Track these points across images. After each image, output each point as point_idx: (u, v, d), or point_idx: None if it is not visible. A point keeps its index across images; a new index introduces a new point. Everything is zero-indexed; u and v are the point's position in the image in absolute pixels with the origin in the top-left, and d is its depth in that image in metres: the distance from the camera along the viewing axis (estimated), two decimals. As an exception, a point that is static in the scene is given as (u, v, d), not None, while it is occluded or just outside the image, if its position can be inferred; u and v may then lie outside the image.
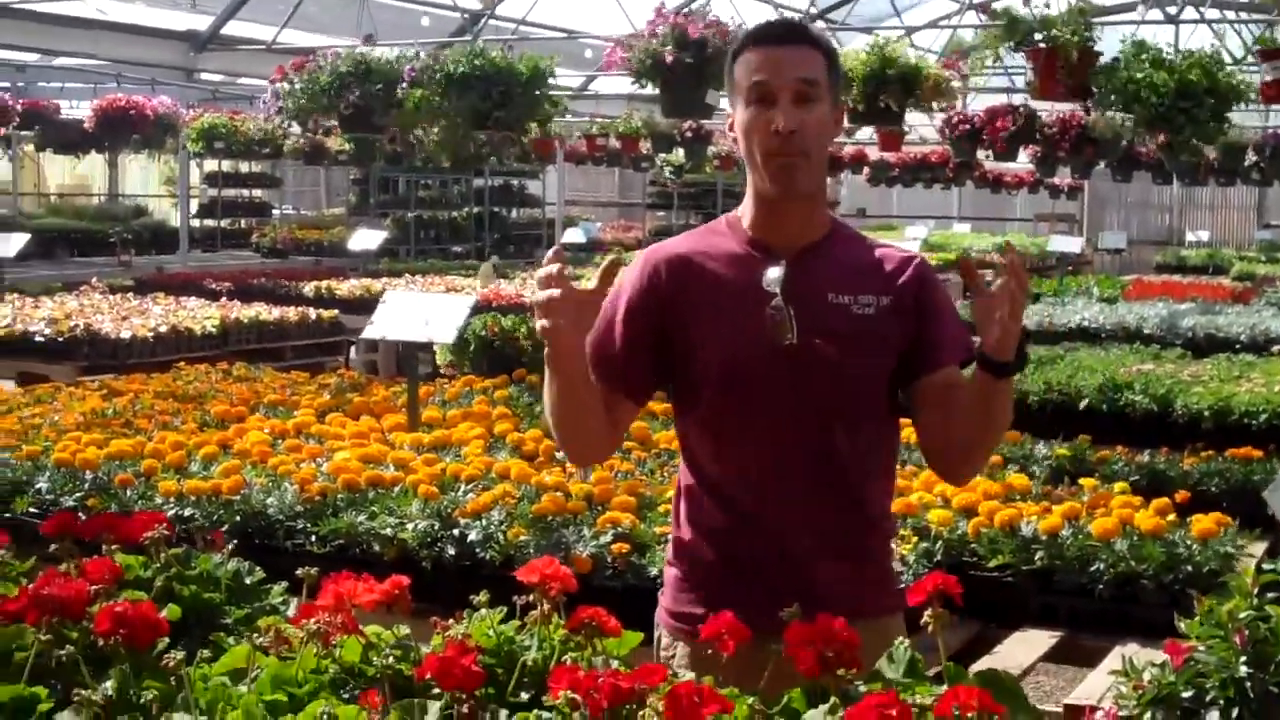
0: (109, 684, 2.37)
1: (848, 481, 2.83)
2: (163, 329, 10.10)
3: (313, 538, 4.51)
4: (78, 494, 4.92)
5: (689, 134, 17.43)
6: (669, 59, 8.04)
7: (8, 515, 4.66)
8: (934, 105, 10.76)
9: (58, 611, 2.53)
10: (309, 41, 18.93)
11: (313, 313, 11.60)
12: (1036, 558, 4.31)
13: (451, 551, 4.35)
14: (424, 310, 5.36)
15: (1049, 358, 8.20)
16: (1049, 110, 15.05)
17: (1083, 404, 7.02)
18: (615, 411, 2.84)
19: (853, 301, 2.77)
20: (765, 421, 2.78)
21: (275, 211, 28.02)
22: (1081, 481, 5.12)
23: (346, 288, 14.08)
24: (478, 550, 4.33)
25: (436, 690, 2.39)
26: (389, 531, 4.41)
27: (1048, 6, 8.21)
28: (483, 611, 2.62)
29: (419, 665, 2.49)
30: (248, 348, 10.54)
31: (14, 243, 12.29)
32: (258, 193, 28.06)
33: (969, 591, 2.45)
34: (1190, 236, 31.22)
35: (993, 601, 4.23)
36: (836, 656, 2.32)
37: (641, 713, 2.16)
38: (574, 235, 20.85)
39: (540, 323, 2.54)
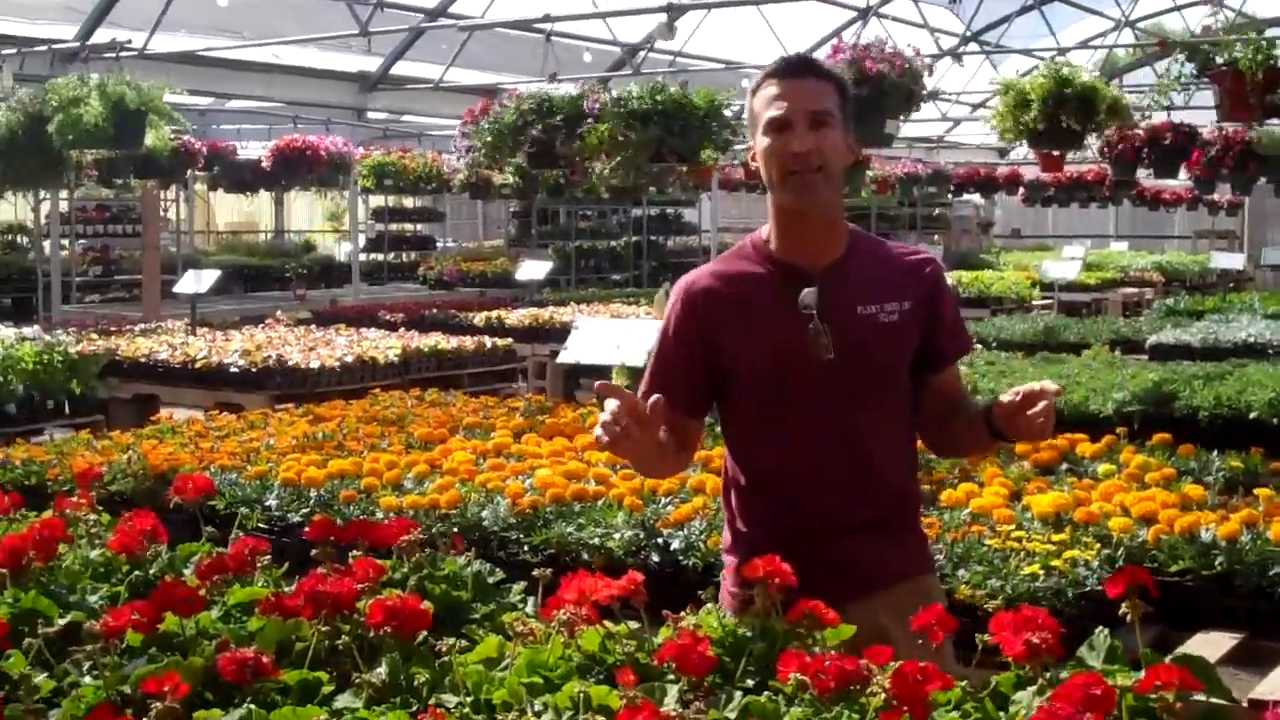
0: (382, 669, 2.67)
1: (876, 464, 3.15)
2: (348, 359, 10.53)
3: (525, 547, 4.81)
4: (304, 510, 5.27)
5: (848, 159, 17.54)
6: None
7: (241, 530, 5.00)
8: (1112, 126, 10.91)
9: (331, 606, 2.84)
10: (474, 79, 19.48)
11: (488, 341, 11.98)
12: (1216, 562, 4.46)
13: (656, 559, 4.64)
14: (614, 335, 5.65)
15: (1217, 373, 8.26)
16: (1209, 126, 15.01)
17: (1252, 416, 7.10)
18: (683, 433, 3.18)
19: (879, 310, 3.10)
20: (808, 424, 3.11)
21: (438, 244, 28.69)
22: (1256, 491, 5.24)
23: (515, 317, 14.45)
24: (680, 558, 4.62)
25: (672, 676, 2.64)
26: (597, 541, 4.70)
27: (1220, 30, 8.27)
28: (708, 606, 2.89)
29: (654, 653, 2.75)
30: (427, 375, 10.92)
31: (206, 279, 12.87)
32: (421, 227, 28.77)
33: (1150, 597, 2.66)
34: (1356, 252, 30.55)
35: (1174, 605, 4.36)
36: (1043, 642, 2.53)
37: (869, 690, 2.39)
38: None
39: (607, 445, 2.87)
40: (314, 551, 3.34)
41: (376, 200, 26.17)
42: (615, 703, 2.50)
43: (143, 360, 10.83)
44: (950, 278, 21.08)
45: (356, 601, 2.87)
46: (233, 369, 10.25)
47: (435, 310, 15.81)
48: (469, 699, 2.57)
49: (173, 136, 12.43)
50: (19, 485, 5.83)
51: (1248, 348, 10.95)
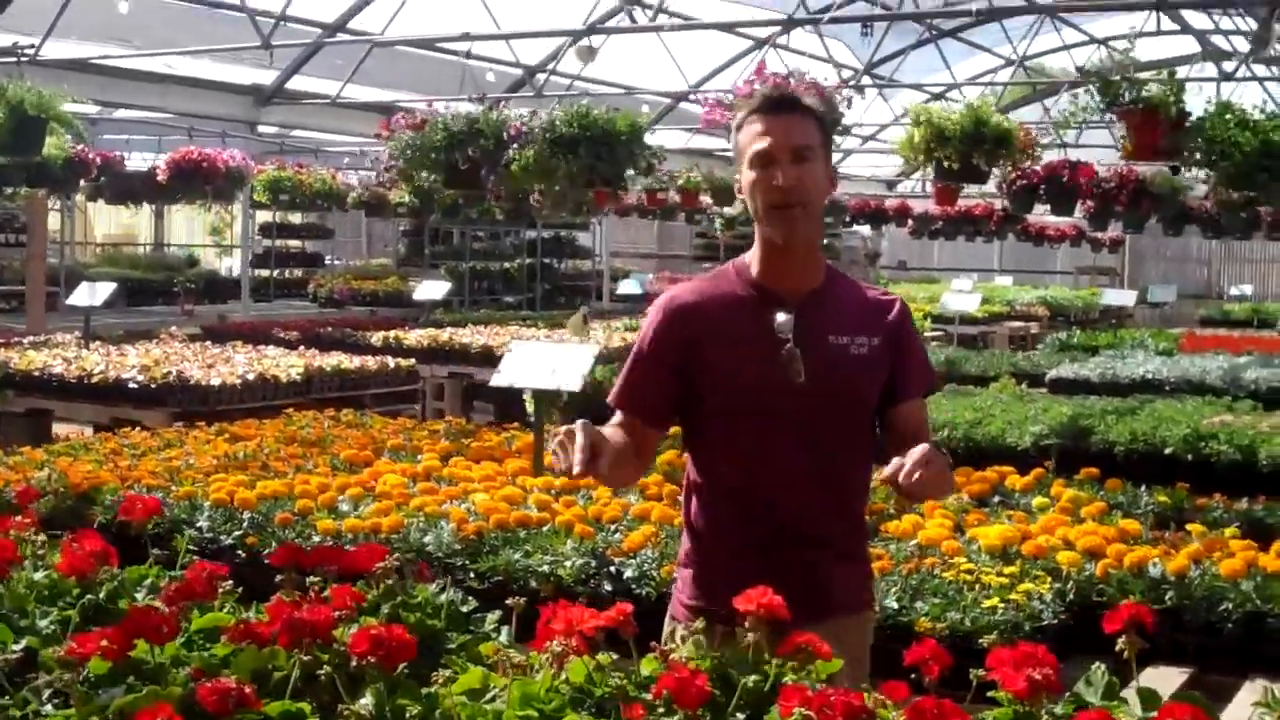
0: (367, 700, 2.57)
1: (843, 495, 3.29)
2: (250, 376, 10.33)
3: (471, 574, 4.72)
4: (236, 533, 5.13)
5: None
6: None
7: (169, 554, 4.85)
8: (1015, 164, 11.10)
9: (309, 634, 2.74)
10: (371, 96, 19.28)
11: (390, 361, 11.83)
12: (1166, 597, 4.49)
13: (609, 587, 4.56)
14: (549, 359, 5.58)
15: (1126, 408, 8.39)
16: (1105, 165, 15.27)
17: (1168, 451, 7.20)
18: (644, 442, 3.27)
19: (850, 342, 3.21)
20: (774, 448, 3.20)
21: (327, 261, 28.39)
22: (1189, 527, 5.30)
23: (414, 337, 14.31)
24: (634, 586, 4.54)
25: (662, 708, 2.59)
26: (546, 569, 4.61)
27: (1128, 70, 8.40)
28: (697, 639, 2.83)
29: (646, 685, 2.69)
30: (330, 395, 10.76)
31: (100, 292, 12.57)
32: (308, 244, 28.47)
33: (1100, 631, 2.68)
34: (1234, 290, 31.32)
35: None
36: (1044, 679, 2.51)
37: (884, 726, 2.35)
38: (629, 286, 21.29)
39: (575, 471, 2.91)
40: (278, 578, 3.23)
41: (264, 216, 25.83)
42: (615, 736, 2.45)
43: (35, 374, 10.54)
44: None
45: (334, 630, 2.78)
46: (131, 384, 10.00)
47: (330, 329, 15.61)
48: (464, 732, 2.49)
49: (70, 145, 12.10)
50: (-69, 500, 5.64)
51: (1146, 383, 11.13)
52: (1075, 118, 9.24)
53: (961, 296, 17.90)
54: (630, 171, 9.06)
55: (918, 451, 2.91)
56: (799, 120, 3.21)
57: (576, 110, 8.82)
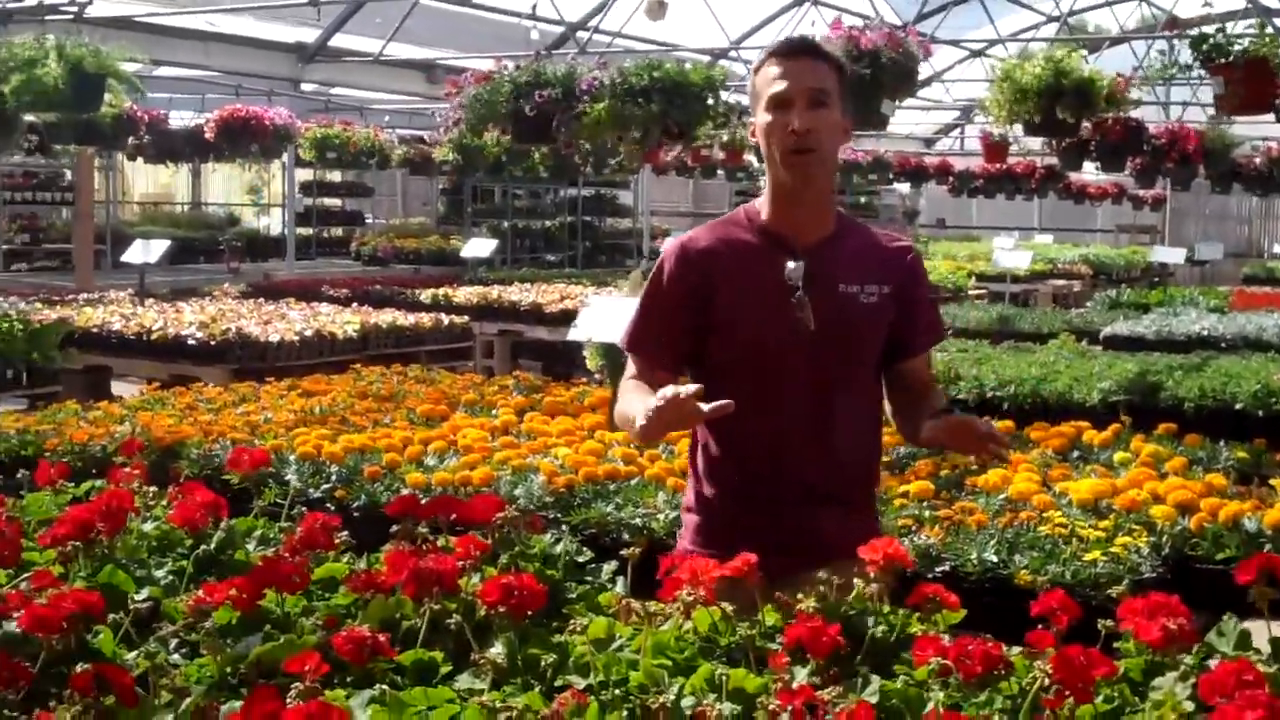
0: (498, 649, 2.57)
1: (847, 443, 3.26)
2: (308, 333, 10.35)
3: (563, 527, 4.72)
4: (325, 486, 5.14)
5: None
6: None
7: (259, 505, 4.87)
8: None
9: (435, 584, 2.74)
10: (412, 54, 19.25)
11: (445, 318, 11.85)
12: (1265, 550, 4.46)
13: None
14: (627, 313, 5.54)
15: (1191, 365, 8.34)
16: (1157, 122, 15.15)
17: (1238, 407, 7.17)
18: (655, 384, 3.15)
19: (860, 291, 3.22)
20: (783, 393, 3.21)
21: (368, 220, 28.41)
22: (1273, 482, 5.27)
23: (463, 295, 14.31)
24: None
25: (788, 658, 2.59)
26: (639, 521, 4.61)
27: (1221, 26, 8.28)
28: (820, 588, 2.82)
29: (766, 636, 2.69)
30: (386, 352, 10.77)
31: (155, 249, 12.62)
32: (348, 202, 28.49)
33: (1196, 585, 2.68)
34: (1277, 248, 31.13)
35: (1220, 594, 4.34)
36: (1179, 630, 2.49)
37: (1031, 674, 2.33)
38: (669, 245, 21.22)
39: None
40: (393, 528, 3.24)
41: (303, 174, 25.83)
42: (752, 685, 2.44)
43: (94, 331, 10.58)
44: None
45: (459, 579, 2.78)
46: (190, 341, 10.04)
47: (379, 286, 15.64)
48: (596, 681, 2.49)
49: (122, 103, 12.12)
50: (14, 455, 5.66)
51: (1202, 340, 11.06)
52: (1164, 72, 9.12)
53: (1012, 254, 17.76)
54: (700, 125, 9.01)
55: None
56: (816, 65, 3.20)
57: (649, 63, 8.82)
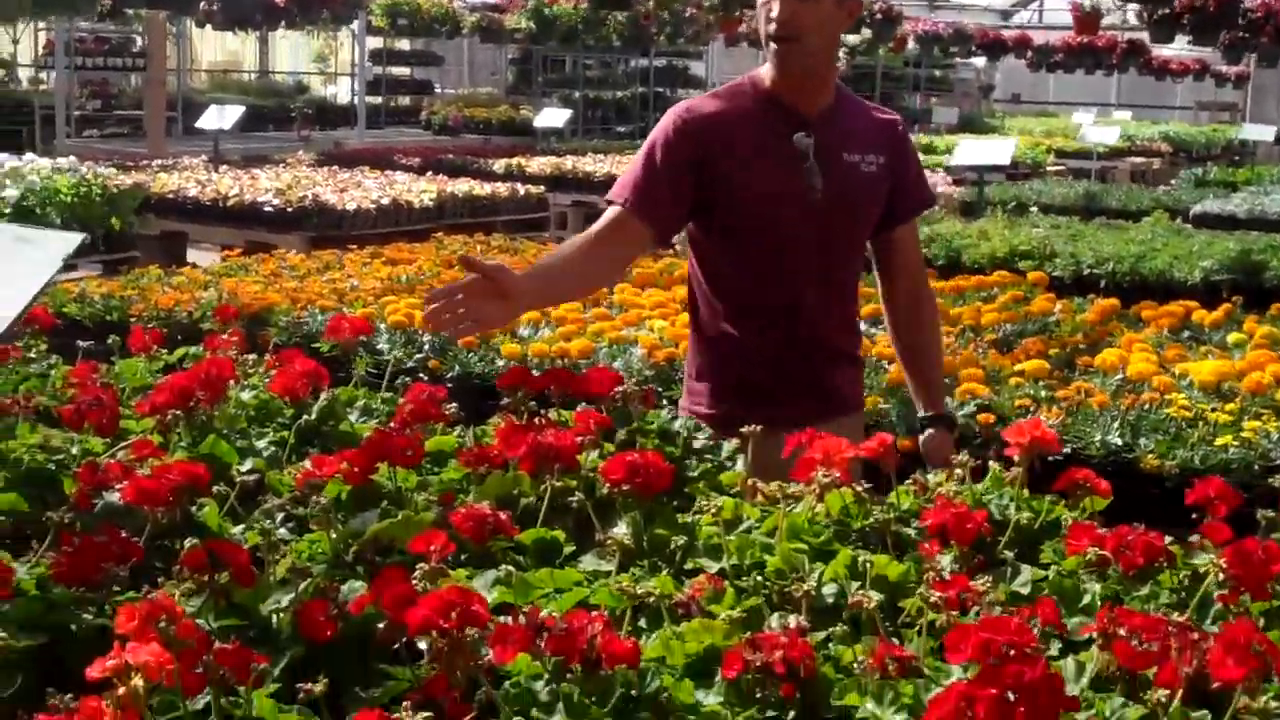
0: (623, 529, 2.44)
1: (845, 303, 3.40)
2: (384, 201, 10.23)
3: (664, 401, 4.57)
4: (418, 356, 5.01)
5: (879, 15, 17.19)
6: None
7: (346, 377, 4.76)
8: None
9: (553, 460, 2.61)
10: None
11: (521, 188, 11.69)
12: None
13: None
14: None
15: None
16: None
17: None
18: (627, 246, 3.30)
19: (861, 160, 3.28)
20: (784, 261, 3.26)
21: (437, 89, 28.18)
22: None
23: (536, 165, 14.13)
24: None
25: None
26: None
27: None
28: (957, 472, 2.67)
29: (901, 520, 2.55)
30: (461, 221, 10.64)
31: (229, 115, 12.49)
32: (416, 71, 28.26)
33: None
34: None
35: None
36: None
37: (1205, 566, 2.18)
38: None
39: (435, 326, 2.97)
40: (504, 400, 3.10)
41: (372, 42, 25.59)
42: (894, 572, 2.30)
43: (170, 197, 10.49)
44: (954, 140, 20.80)
45: (578, 456, 2.65)
46: (266, 208, 9.94)
47: (450, 155, 15.46)
48: (729, 565, 2.36)
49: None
50: (98, 321, 5.57)
51: (1294, 220, 10.78)
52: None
53: (1100, 129, 17.32)
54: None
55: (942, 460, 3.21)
56: None
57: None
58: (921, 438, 3.50)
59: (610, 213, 3.25)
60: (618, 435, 2.90)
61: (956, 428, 3.56)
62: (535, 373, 3.26)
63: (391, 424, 2.92)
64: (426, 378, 4.66)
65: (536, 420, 2.88)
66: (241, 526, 2.53)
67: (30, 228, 2.93)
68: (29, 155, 9.45)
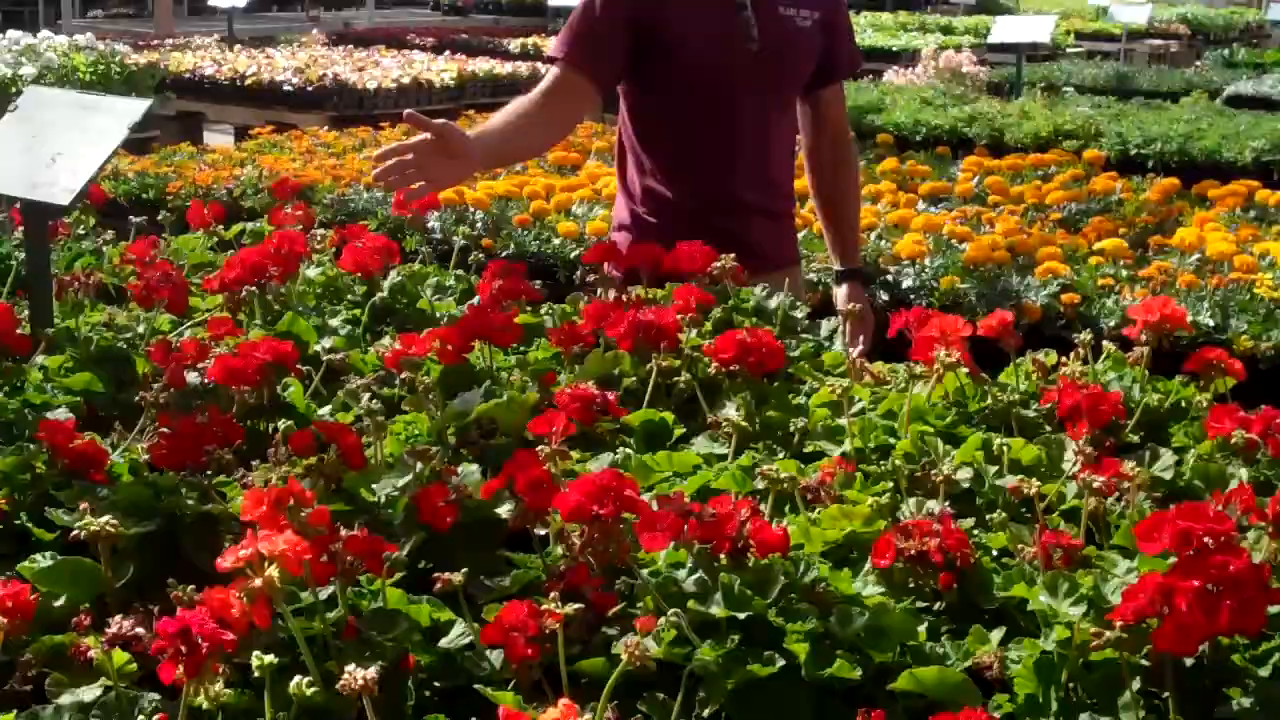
0: (732, 411, 2.31)
1: (776, 159, 3.39)
2: (405, 80, 10.02)
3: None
4: (470, 234, 4.85)
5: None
6: None
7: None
8: None
9: (655, 339, 2.48)
10: None
11: (543, 67, 11.44)
12: None
13: (884, 297, 4.27)
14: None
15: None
16: None
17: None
18: (577, 103, 3.24)
19: (796, 14, 3.27)
20: (718, 114, 3.24)
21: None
22: None
23: (552, 44, 13.85)
24: (912, 297, 4.25)
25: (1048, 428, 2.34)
26: (813, 277, 4.31)
27: None
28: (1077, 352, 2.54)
29: (1022, 403, 2.43)
30: (482, 101, 10.43)
31: (243, -9, 12.22)
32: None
33: None
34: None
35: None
36: None
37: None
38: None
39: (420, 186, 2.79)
40: (590, 277, 2.97)
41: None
42: (1028, 456, 2.19)
43: (187, 76, 10.27)
44: (973, 20, 20.45)
45: (679, 334, 2.52)
46: (286, 87, 9.73)
47: (464, 35, 15.18)
48: (852, 448, 2.23)
49: None
50: (134, 198, 5.43)
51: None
52: None
53: (1129, 8, 16.94)
54: None
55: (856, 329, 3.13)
56: None
57: None
58: (837, 290, 3.55)
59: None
60: (713, 313, 2.77)
61: (869, 283, 3.69)
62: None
63: (472, 302, 2.79)
64: (482, 256, 4.51)
65: (624, 298, 2.76)
66: (329, 407, 2.41)
67: (94, 95, 2.78)
68: (45, 33, 9.23)
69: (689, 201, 3.29)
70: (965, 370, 2.45)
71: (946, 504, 1.96)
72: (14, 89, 8.01)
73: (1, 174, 2.81)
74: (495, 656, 1.62)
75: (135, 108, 2.73)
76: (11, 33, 9.01)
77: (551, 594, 1.58)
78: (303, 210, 3.26)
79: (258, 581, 1.48)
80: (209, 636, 1.35)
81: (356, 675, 1.36)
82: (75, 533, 1.67)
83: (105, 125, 2.69)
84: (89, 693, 1.53)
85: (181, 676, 1.37)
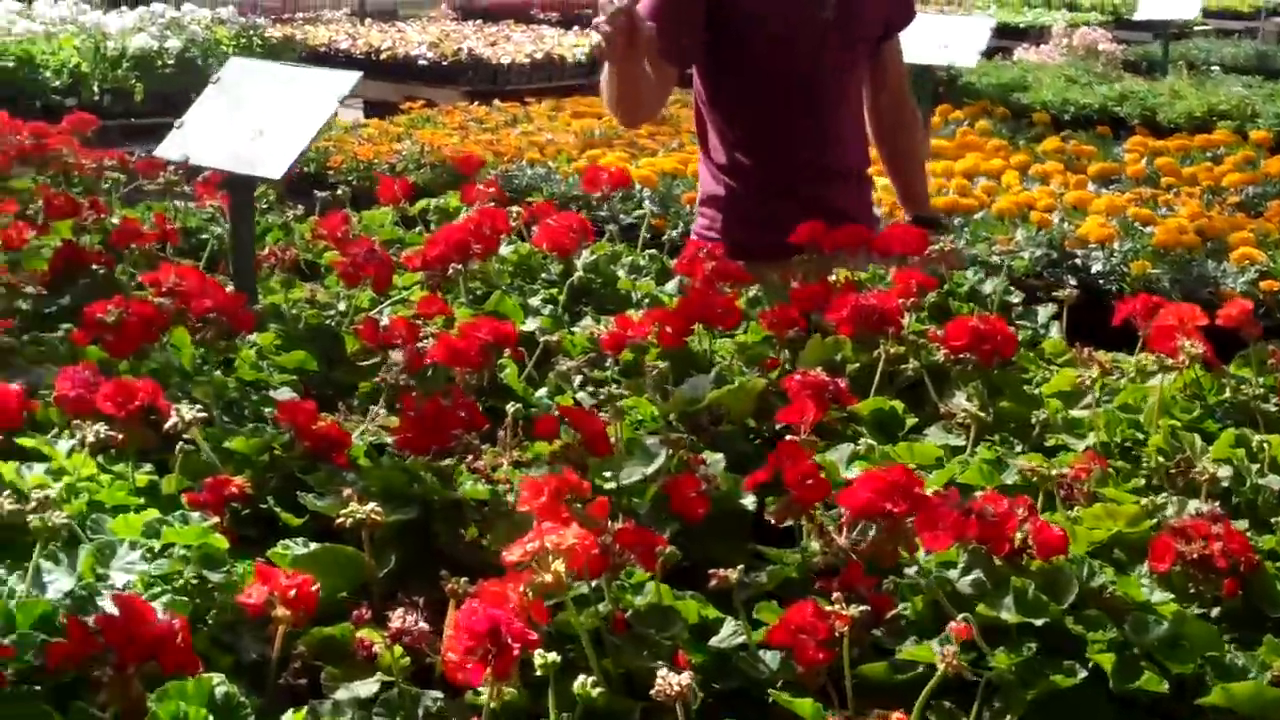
0: (964, 400, 2.24)
1: (851, 120, 3.40)
2: (538, 55, 9.98)
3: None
4: (638, 212, 4.77)
5: None
6: None
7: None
8: None
9: (880, 324, 2.41)
10: None
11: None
12: None
13: (1073, 282, 4.15)
14: (942, 34, 5.06)
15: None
16: None
17: None
18: (660, 83, 3.17)
19: None
20: (802, 80, 3.24)
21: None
22: None
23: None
24: (1101, 282, 4.13)
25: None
26: (996, 258, 4.20)
27: None
28: None
29: (1261, 396, 2.34)
30: (615, 76, 10.35)
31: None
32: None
33: None
34: None
35: None
36: None
37: None
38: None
39: (602, 42, 2.87)
40: (796, 257, 2.89)
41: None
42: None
43: (322, 50, 10.30)
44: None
45: (900, 318, 2.44)
46: (421, 61, 9.73)
47: (589, 10, 15.12)
48: (1098, 442, 2.15)
49: None
50: (294, 173, 5.40)
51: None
52: None
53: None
54: None
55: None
56: None
57: None
58: None
59: None
60: (928, 298, 2.69)
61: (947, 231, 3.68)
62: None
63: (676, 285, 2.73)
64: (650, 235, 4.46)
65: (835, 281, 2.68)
66: (544, 389, 2.36)
67: (300, 67, 2.74)
68: (189, 5, 9.27)
69: (775, 173, 3.30)
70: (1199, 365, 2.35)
71: (1216, 505, 1.87)
72: (159, 62, 8.07)
73: (205, 147, 2.80)
74: (771, 658, 1.56)
75: (342, 79, 2.70)
76: (156, 5, 9.07)
77: (835, 595, 1.52)
78: (495, 187, 3.21)
79: (547, 576, 1.42)
80: (518, 636, 1.29)
81: (671, 681, 1.30)
82: (338, 520, 1.62)
83: (312, 97, 2.66)
84: (364, 688, 1.48)
85: (487, 677, 1.31)
